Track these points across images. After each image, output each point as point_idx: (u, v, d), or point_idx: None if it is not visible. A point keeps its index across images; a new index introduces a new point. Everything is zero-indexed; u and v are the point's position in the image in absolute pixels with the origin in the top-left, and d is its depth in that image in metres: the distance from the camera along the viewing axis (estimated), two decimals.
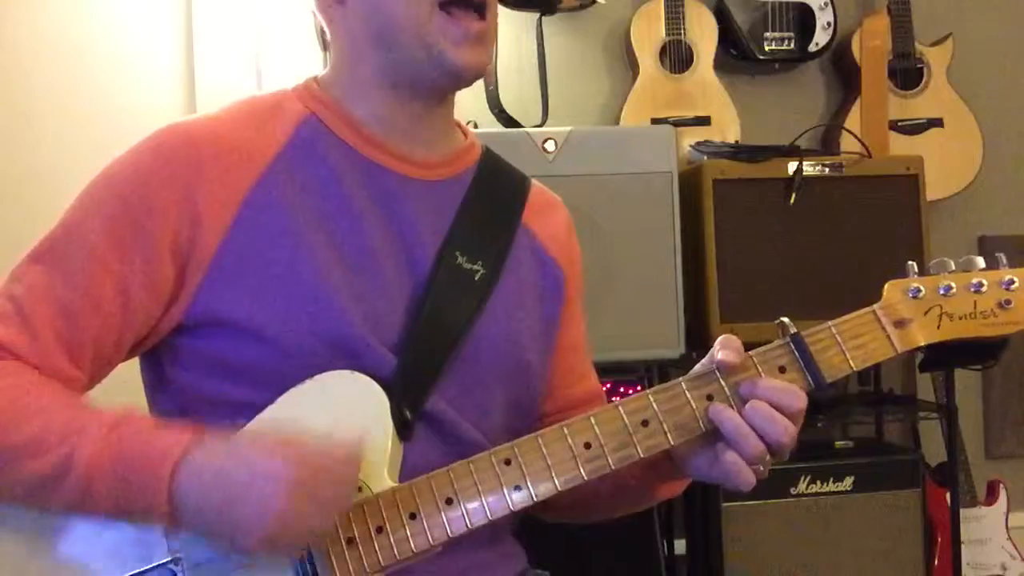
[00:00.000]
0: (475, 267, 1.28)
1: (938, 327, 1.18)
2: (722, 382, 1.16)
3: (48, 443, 1.07)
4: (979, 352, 2.57)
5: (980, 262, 1.20)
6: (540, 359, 1.35)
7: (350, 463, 1.09)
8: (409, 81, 1.27)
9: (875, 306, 1.19)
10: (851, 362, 1.17)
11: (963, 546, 2.85)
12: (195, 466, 1.06)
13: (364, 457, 1.11)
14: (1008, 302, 1.18)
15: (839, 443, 2.77)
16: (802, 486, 2.62)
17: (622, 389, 2.49)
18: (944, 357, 2.67)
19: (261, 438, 1.09)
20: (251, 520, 1.04)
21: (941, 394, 2.91)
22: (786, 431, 1.13)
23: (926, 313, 1.18)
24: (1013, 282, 1.18)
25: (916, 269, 1.20)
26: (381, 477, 1.14)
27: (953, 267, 1.19)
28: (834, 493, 2.63)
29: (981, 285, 1.18)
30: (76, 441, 1.07)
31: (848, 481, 2.64)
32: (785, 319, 1.18)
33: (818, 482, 2.63)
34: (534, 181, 1.43)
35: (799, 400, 1.14)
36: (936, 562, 2.84)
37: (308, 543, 1.09)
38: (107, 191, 1.20)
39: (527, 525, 1.36)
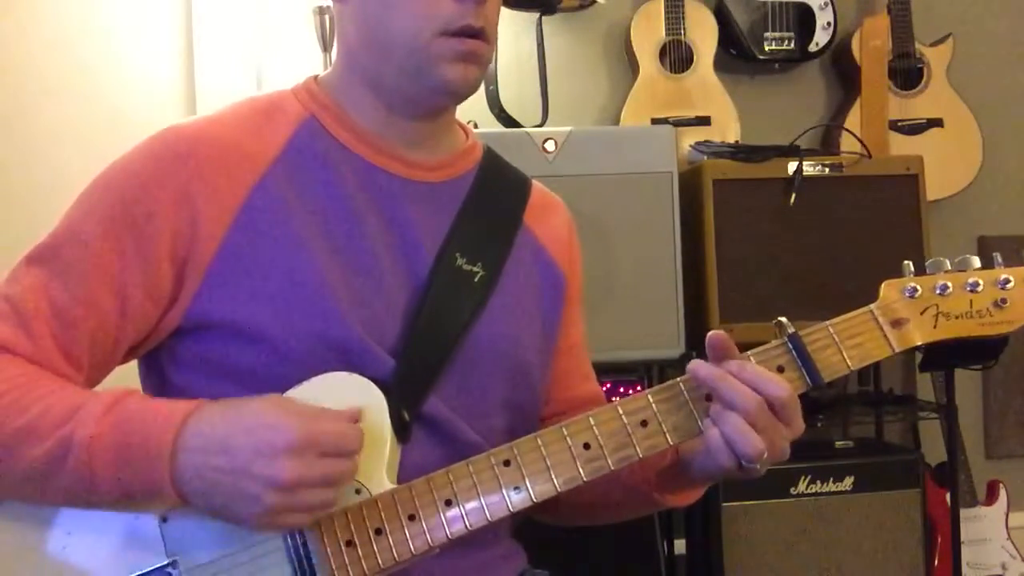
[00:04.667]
0: (475, 268, 1.28)
1: (934, 326, 1.19)
2: None
3: (47, 427, 1.07)
4: (979, 352, 2.56)
5: (976, 261, 1.20)
6: (540, 360, 1.35)
7: (352, 420, 1.10)
8: (395, 93, 1.27)
9: (872, 306, 1.19)
10: (848, 362, 1.17)
11: (963, 546, 2.85)
12: (195, 441, 1.06)
13: (363, 426, 1.12)
14: (1004, 301, 1.18)
15: (839, 443, 2.77)
16: (802, 486, 2.61)
17: (622, 389, 2.49)
18: (944, 357, 2.67)
19: (260, 403, 1.09)
20: (255, 495, 1.04)
21: (941, 394, 2.91)
22: (782, 434, 1.14)
23: (922, 313, 1.19)
24: (1009, 281, 1.18)
25: (912, 268, 1.20)
26: (380, 479, 1.14)
27: (949, 267, 1.20)
28: (834, 493, 2.63)
29: (977, 284, 1.19)
30: (75, 423, 1.07)
31: (848, 481, 2.63)
32: (783, 319, 1.18)
33: (818, 482, 2.62)
34: (535, 182, 1.43)
35: (783, 390, 1.13)
36: (936, 562, 2.84)
37: (312, 515, 1.09)
38: (106, 193, 1.20)
39: (527, 525, 1.36)
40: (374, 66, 1.26)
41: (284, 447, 1.03)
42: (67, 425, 1.07)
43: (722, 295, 2.68)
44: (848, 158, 2.79)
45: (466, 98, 1.29)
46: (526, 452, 1.15)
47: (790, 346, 1.17)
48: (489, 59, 1.28)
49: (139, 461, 1.06)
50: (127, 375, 1.27)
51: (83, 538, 1.13)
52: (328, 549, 1.12)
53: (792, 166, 2.72)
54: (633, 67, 3.07)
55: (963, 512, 2.90)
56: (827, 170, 2.75)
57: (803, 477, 2.62)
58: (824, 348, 1.17)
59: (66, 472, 1.07)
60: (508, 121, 2.82)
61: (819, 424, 2.72)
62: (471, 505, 1.14)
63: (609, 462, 1.15)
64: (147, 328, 1.19)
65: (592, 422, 1.16)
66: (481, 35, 1.24)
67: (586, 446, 1.15)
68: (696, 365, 1.15)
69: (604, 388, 1.49)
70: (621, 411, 1.16)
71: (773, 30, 3.09)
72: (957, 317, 1.18)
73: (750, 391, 1.13)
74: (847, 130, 3.00)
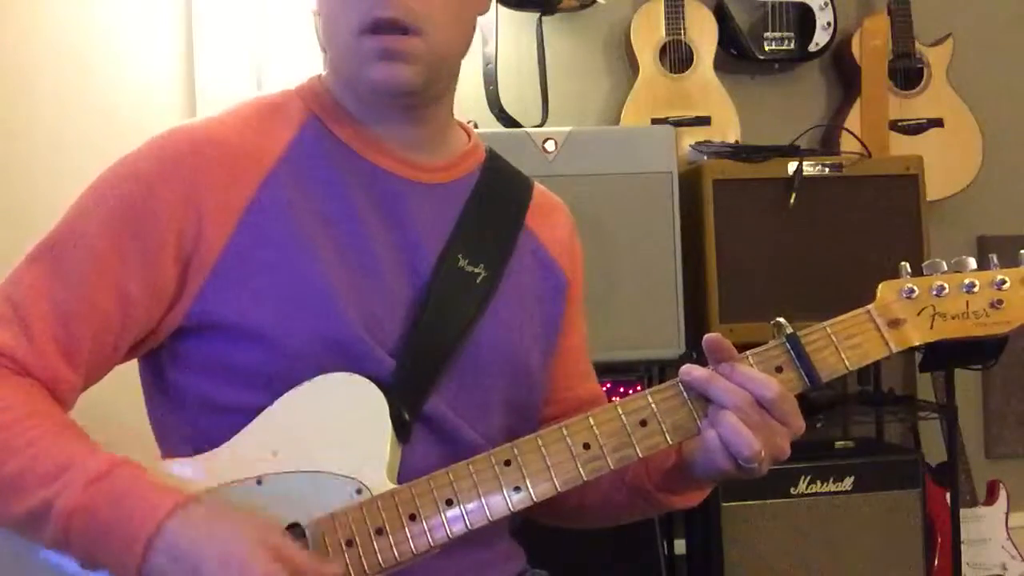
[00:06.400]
0: (477, 269, 1.28)
1: (931, 327, 1.19)
2: None
3: (31, 483, 1.07)
4: (978, 352, 2.57)
5: (972, 263, 1.20)
6: (541, 361, 1.35)
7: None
8: (354, 93, 1.28)
9: (869, 306, 1.20)
10: (846, 362, 1.17)
11: (963, 546, 2.85)
12: (168, 548, 1.05)
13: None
14: (1000, 302, 1.19)
15: (839, 443, 2.77)
16: (802, 486, 2.62)
17: (622, 389, 2.49)
18: (944, 357, 2.67)
19: (240, 531, 1.07)
20: None
21: (941, 394, 2.91)
22: (780, 433, 1.14)
23: (919, 313, 1.19)
24: (1004, 282, 1.19)
25: (909, 269, 1.21)
26: (380, 479, 1.15)
27: (946, 268, 1.20)
28: (834, 493, 2.63)
29: (973, 285, 1.19)
30: (59, 487, 1.06)
31: (848, 481, 2.64)
32: (781, 319, 1.18)
33: (818, 482, 2.63)
34: (537, 183, 1.44)
35: (771, 389, 1.14)
36: (936, 562, 2.83)
37: None
38: (109, 193, 1.20)
39: (527, 525, 1.37)
40: (336, 69, 1.29)
41: None
42: (51, 486, 1.06)
43: (722, 295, 2.68)
44: (848, 158, 2.79)
45: (410, 96, 1.24)
46: (526, 452, 1.16)
47: (788, 346, 1.17)
48: (427, 53, 1.20)
49: (112, 546, 1.05)
50: (127, 374, 1.27)
51: None
52: (329, 549, 1.12)
53: (792, 166, 2.72)
54: (633, 67, 3.07)
55: (963, 512, 2.90)
56: (827, 170, 2.75)
57: (803, 477, 2.62)
58: (822, 348, 1.17)
59: (42, 533, 1.07)
60: (508, 121, 2.82)
61: (819, 424, 2.72)
62: (472, 505, 1.14)
63: (609, 462, 1.16)
64: (148, 327, 1.19)
65: (592, 422, 1.16)
66: (401, 29, 1.19)
67: (586, 446, 1.16)
68: (687, 367, 1.16)
69: (604, 388, 1.49)
70: (620, 411, 1.17)
71: (773, 30, 3.09)
72: (954, 318, 1.19)
73: (739, 390, 1.13)
74: (847, 130, 3.00)
